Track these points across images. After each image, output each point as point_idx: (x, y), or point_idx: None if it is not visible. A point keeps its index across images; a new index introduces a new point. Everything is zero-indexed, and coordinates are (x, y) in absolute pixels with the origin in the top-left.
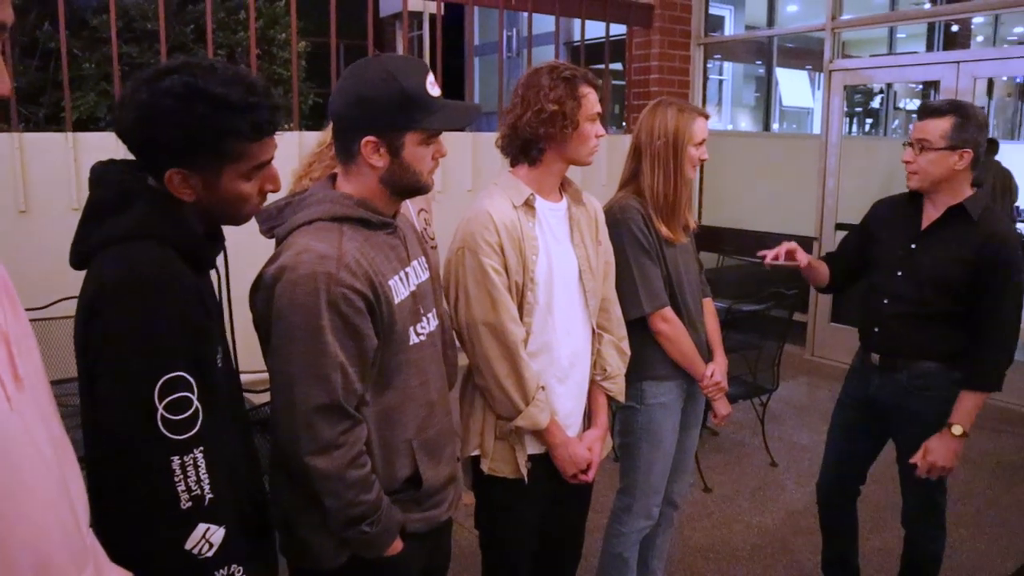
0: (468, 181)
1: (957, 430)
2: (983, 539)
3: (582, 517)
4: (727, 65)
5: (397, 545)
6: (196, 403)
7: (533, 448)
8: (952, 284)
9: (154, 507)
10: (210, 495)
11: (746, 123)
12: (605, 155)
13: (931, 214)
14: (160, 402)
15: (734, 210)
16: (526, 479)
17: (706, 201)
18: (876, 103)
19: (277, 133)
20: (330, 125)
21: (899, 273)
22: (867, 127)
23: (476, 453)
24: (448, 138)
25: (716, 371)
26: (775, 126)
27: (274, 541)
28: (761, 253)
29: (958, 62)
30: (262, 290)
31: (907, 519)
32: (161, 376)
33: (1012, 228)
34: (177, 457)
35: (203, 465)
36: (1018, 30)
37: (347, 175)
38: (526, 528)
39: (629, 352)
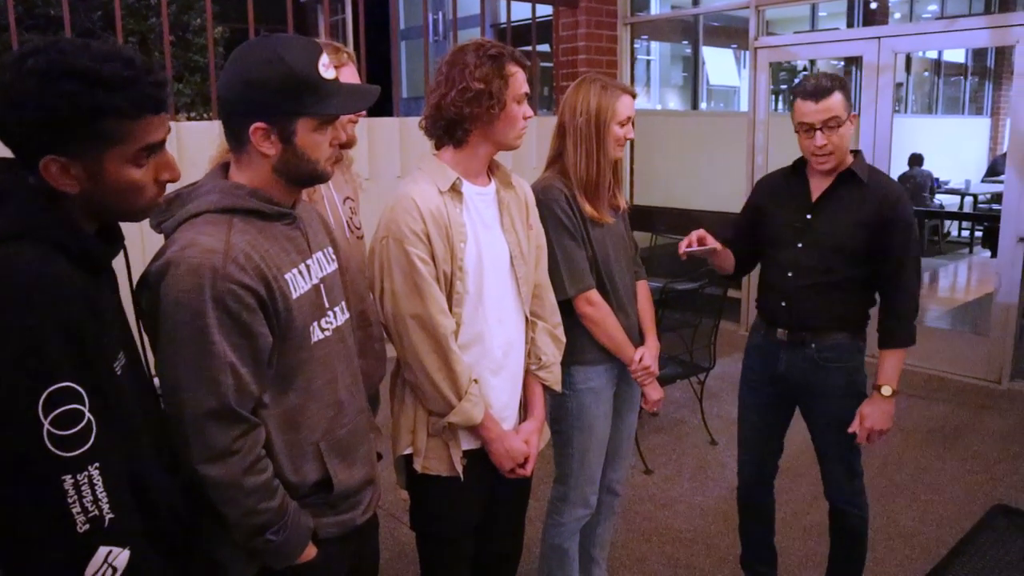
0: (397, 167)
1: (887, 391)
2: (918, 507)
3: (521, 511)
4: (655, 45)
5: (310, 552)
6: (88, 415)
7: (468, 444)
8: (854, 249)
9: (47, 532)
10: (110, 515)
11: (675, 102)
12: (535, 137)
13: (819, 183)
14: (45, 417)
15: (665, 189)
16: (462, 476)
17: (637, 181)
18: (798, 81)
19: (195, 120)
20: None
21: (799, 245)
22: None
23: (408, 452)
24: (375, 124)
25: (646, 356)
26: (703, 105)
27: (203, 559)
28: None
29: (879, 37)
30: (147, 288)
31: (832, 491)
32: (44, 389)
33: (900, 185)
34: (70, 476)
35: (100, 483)
36: (932, 7)
37: (239, 164)
38: (464, 526)
39: (564, 339)
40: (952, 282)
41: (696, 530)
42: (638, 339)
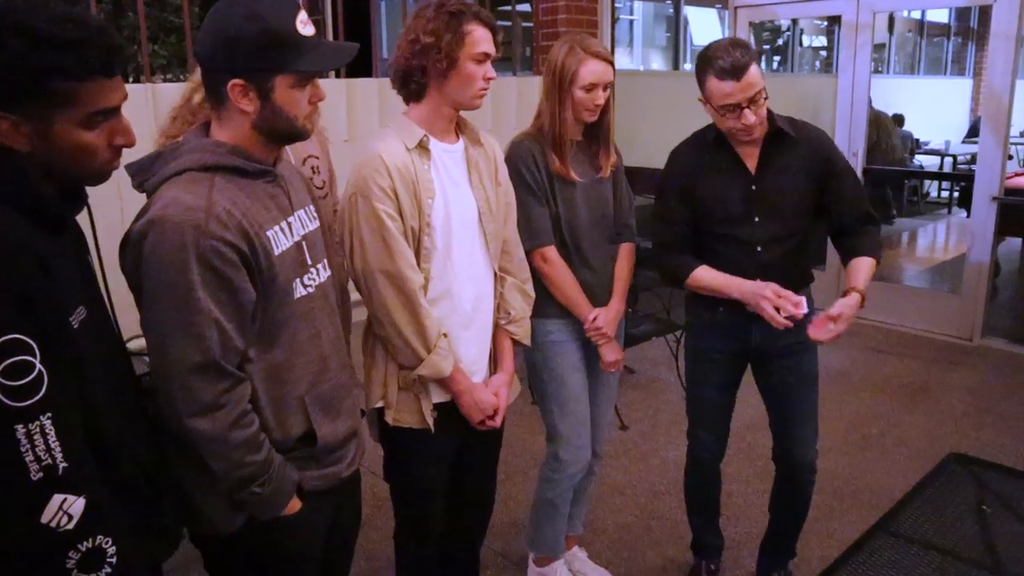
0: (375, 128)
1: (861, 291)
2: (886, 460)
3: (492, 463)
4: (638, 5)
5: (295, 504)
6: (39, 367)
7: (438, 396)
8: (808, 204)
9: (1, 480)
10: (64, 464)
11: (658, 63)
12: (515, 97)
13: (749, 151)
14: None
15: (645, 149)
16: (432, 428)
17: (619, 141)
18: (782, 41)
19: (171, 82)
20: (192, 77)
21: (756, 219)
22: (775, 64)
23: (380, 405)
24: (354, 84)
25: (600, 316)
26: (686, 66)
27: (172, 509)
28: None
29: None
30: (130, 247)
31: (800, 452)
32: None
33: (815, 126)
34: (21, 425)
35: (52, 432)
36: None
37: (219, 122)
38: (436, 478)
39: (533, 294)
40: (931, 242)
41: (669, 483)
42: (605, 300)
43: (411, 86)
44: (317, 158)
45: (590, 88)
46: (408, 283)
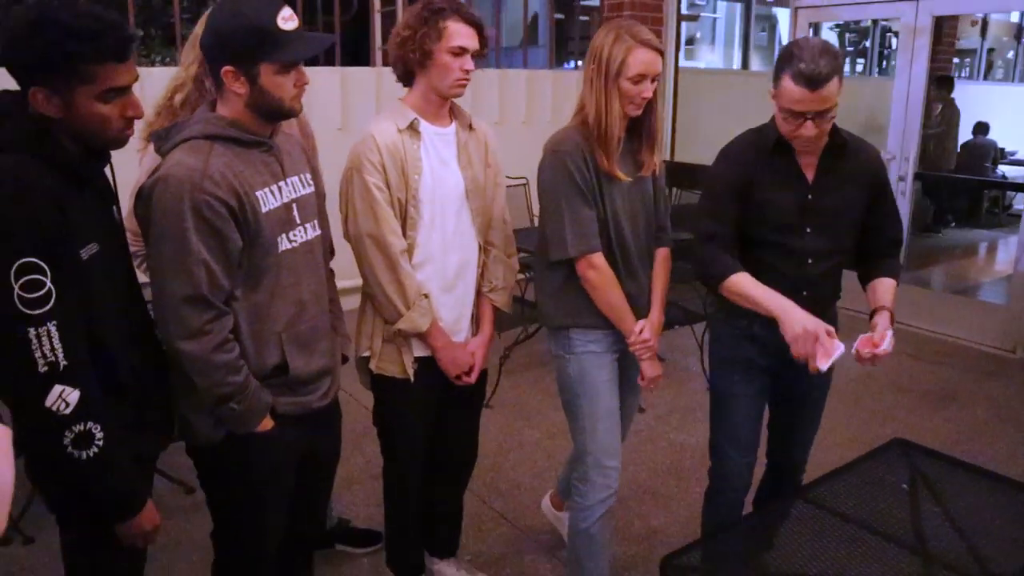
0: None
1: (888, 313)
2: None
3: (474, 419)
4: (721, 4)
5: (267, 423)
6: (49, 285)
7: (419, 351)
8: (857, 219)
9: (17, 370)
10: (64, 362)
11: (756, 63)
12: (550, 92)
13: (808, 160)
14: (16, 282)
15: (708, 147)
16: (412, 378)
17: (681, 137)
18: (869, 43)
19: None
20: (174, 76)
21: (808, 230)
22: (859, 66)
23: (366, 354)
24: (349, 73)
25: (646, 329)
26: (757, 65)
27: (167, 416)
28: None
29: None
30: (142, 198)
31: (798, 454)
32: (14, 262)
33: (872, 145)
34: (32, 328)
35: (56, 336)
36: None
37: (221, 101)
38: (416, 426)
39: (517, 267)
40: (995, 255)
41: (672, 463)
42: (646, 308)
43: (398, 73)
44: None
45: (638, 79)
46: (391, 247)
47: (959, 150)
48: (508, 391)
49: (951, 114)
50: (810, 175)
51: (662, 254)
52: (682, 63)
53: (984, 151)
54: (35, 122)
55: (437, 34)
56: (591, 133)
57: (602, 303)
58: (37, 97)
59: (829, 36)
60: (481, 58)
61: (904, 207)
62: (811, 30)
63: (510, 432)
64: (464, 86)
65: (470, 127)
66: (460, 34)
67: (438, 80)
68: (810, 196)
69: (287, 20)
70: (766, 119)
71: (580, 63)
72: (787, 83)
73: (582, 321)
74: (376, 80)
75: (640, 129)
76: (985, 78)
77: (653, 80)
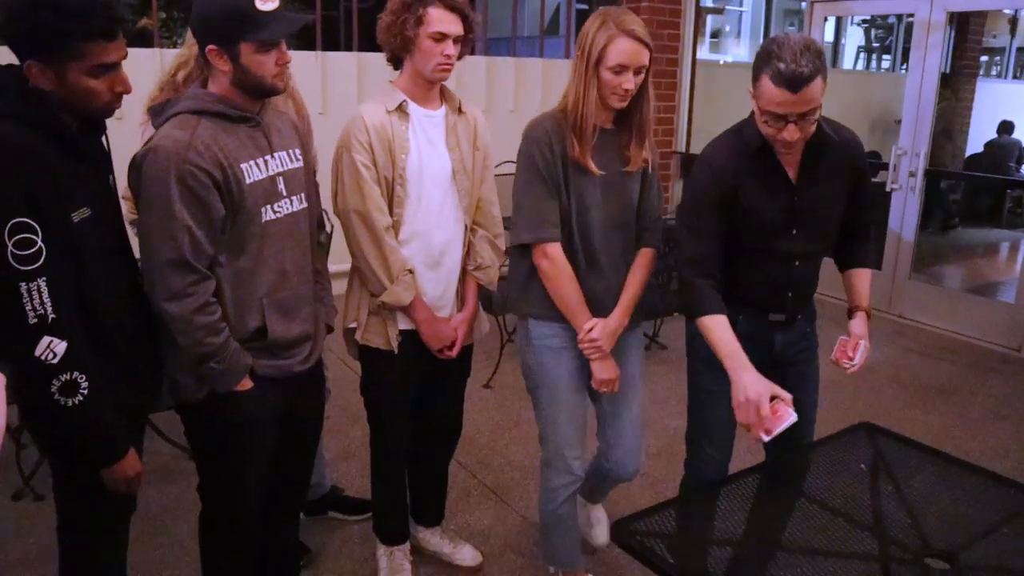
0: (353, 104)
1: (864, 314)
2: None
3: (458, 392)
4: None
5: (246, 383)
6: (40, 243)
7: (404, 324)
8: (842, 209)
9: (9, 321)
10: (52, 315)
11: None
12: (512, 81)
13: (790, 159)
14: (9, 240)
15: None
16: (395, 350)
17: (697, 132)
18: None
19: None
20: (177, 55)
21: (793, 232)
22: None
23: (353, 325)
24: (329, 58)
25: (597, 328)
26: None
27: (154, 373)
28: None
29: None
30: (134, 167)
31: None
32: (8, 221)
33: (848, 128)
34: (24, 283)
35: (46, 291)
36: None
37: (211, 79)
38: (401, 395)
39: (503, 248)
40: (1010, 255)
41: (664, 447)
42: (611, 307)
43: (389, 57)
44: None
45: (619, 70)
46: (375, 222)
47: (983, 149)
48: (508, 374)
49: (951, 112)
50: (792, 173)
51: (644, 255)
52: (707, 56)
53: (1008, 150)
54: (31, 94)
55: (418, 20)
56: (568, 120)
57: (555, 295)
58: (32, 70)
59: (855, 32)
60: (466, 44)
61: (914, 204)
62: (825, 24)
63: (507, 412)
64: (447, 70)
65: (459, 110)
66: (441, 20)
67: (421, 64)
68: (795, 198)
69: (265, 1)
70: None
71: None
72: (766, 84)
73: (541, 312)
74: (356, 65)
75: (630, 122)
76: (1016, 77)
77: (638, 72)
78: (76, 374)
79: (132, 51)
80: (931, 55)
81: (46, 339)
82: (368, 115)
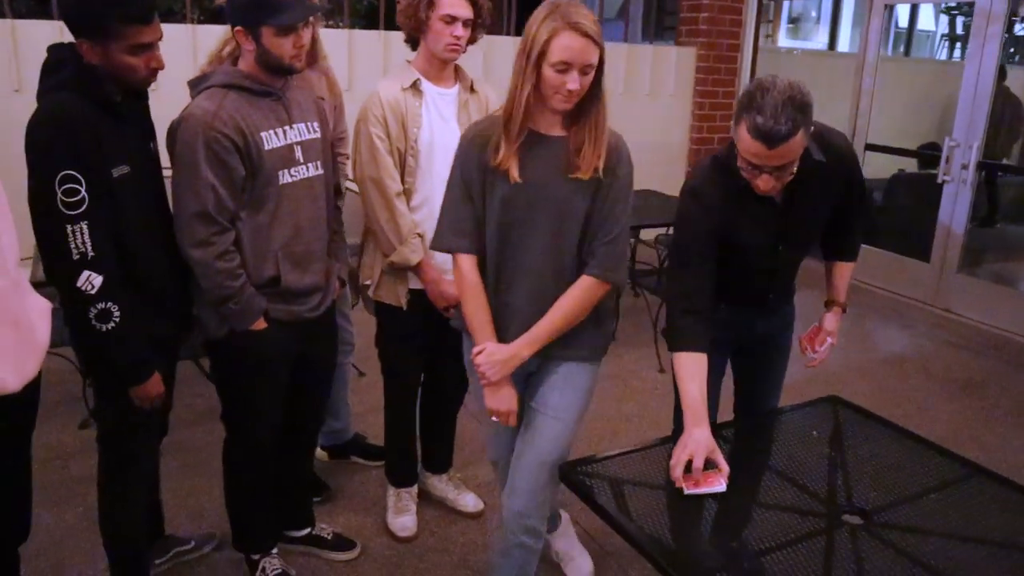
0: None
1: (839, 309)
2: None
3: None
4: None
5: (260, 323)
6: (83, 193)
7: (414, 284)
8: (829, 216)
9: (56, 255)
10: (92, 253)
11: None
12: (624, 66)
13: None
14: (59, 189)
15: None
16: (404, 307)
17: None
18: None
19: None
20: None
21: (779, 248)
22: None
23: (368, 283)
24: (357, 36)
25: (486, 352)
26: (900, 51)
27: (184, 311)
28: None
29: None
30: (170, 133)
31: (764, 401)
32: (58, 172)
33: (839, 132)
34: (69, 225)
35: (87, 233)
36: None
37: (242, 56)
38: (409, 348)
39: None
40: None
41: (651, 420)
42: (521, 332)
43: (407, 38)
44: (323, 99)
45: (562, 68)
46: (387, 189)
47: None
48: None
49: (1002, 105)
50: (779, 197)
51: (581, 285)
52: (785, 43)
53: None
54: (84, 68)
55: (430, 3)
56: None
57: (462, 309)
58: (83, 47)
59: (939, 20)
60: (477, 28)
61: (965, 197)
62: (885, 12)
63: None
64: (456, 50)
65: (472, 89)
66: (451, 4)
67: (433, 44)
68: (784, 222)
69: None
70: (846, 102)
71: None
72: (744, 133)
73: (456, 320)
74: (383, 43)
75: (585, 125)
76: None
77: (585, 71)
78: (110, 304)
79: (166, 27)
80: (989, 45)
81: (86, 273)
82: (384, 92)
